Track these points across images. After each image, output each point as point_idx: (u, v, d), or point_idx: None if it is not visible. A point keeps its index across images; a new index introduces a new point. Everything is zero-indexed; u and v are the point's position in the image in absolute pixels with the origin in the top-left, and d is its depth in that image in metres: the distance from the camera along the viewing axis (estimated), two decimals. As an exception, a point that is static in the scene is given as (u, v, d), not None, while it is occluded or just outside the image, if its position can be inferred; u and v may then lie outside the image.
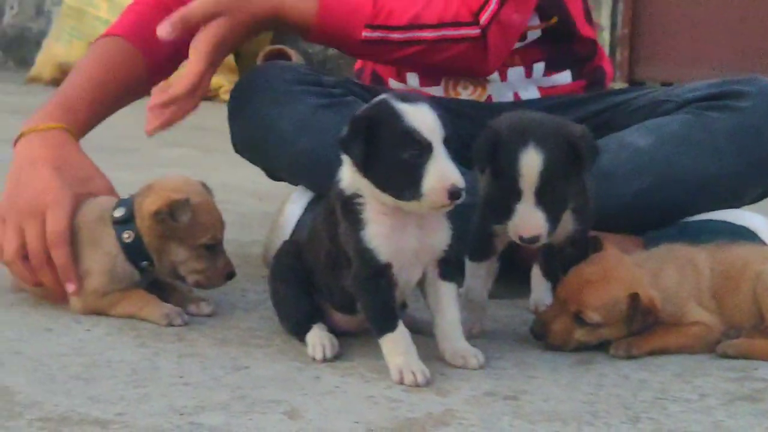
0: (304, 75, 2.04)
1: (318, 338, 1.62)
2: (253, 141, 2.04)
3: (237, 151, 2.10)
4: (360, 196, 1.53)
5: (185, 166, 3.39)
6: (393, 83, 2.21)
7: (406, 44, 1.95)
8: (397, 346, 1.53)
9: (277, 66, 2.09)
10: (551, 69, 2.18)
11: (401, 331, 1.53)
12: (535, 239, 1.59)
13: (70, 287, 1.76)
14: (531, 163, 1.56)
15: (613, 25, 4.91)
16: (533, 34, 2.15)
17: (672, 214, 1.97)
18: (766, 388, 1.54)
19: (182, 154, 3.74)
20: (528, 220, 1.58)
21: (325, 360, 1.59)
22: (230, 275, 1.81)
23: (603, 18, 4.85)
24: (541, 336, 1.68)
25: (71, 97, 1.92)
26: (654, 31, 4.91)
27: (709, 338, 1.68)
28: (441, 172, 1.46)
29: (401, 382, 1.50)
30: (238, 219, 2.62)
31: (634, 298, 1.62)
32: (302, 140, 1.97)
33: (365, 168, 1.50)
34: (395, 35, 1.94)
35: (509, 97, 2.16)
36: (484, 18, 1.95)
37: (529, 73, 2.16)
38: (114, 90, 1.96)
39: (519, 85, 2.16)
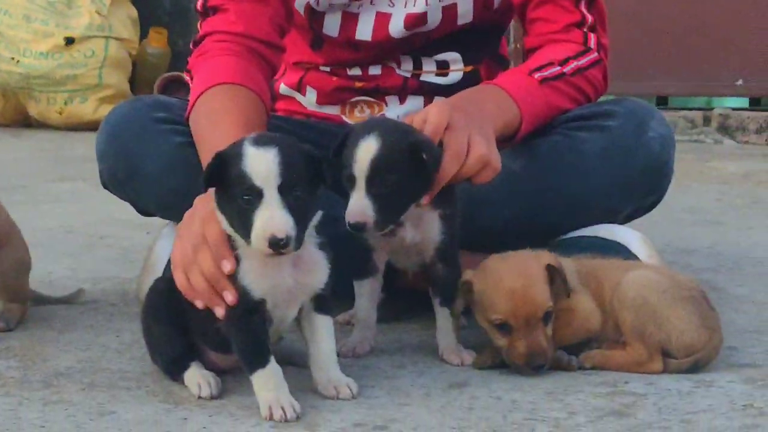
0: (177, 112, 1.98)
1: (200, 377, 1.60)
2: (120, 180, 2.00)
3: (105, 187, 2.05)
4: (235, 231, 1.54)
5: (75, 201, 3.32)
6: (300, 99, 2.21)
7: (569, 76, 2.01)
8: (267, 382, 1.51)
9: (146, 101, 2.04)
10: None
11: (272, 367, 1.52)
12: (360, 226, 1.61)
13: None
14: (365, 152, 1.62)
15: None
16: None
17: (546, 235, 1.98)
18: (634, 402, 1.56)
19: (72, 188, 3.63)
20: (355, 207, 1.61)
21: (212, 397, 1.57)
22: None
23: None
24: (541, 360, 1.66)
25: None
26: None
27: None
28: (263, 221, 1.46)
29: (270, 418, 1.49)
30: (121, 254, 2.59)
31: (550, 268, 1.68)
32: (170, 180, 1.93)
33: (219, 206, 1.52)
34: (557, 69, 2.00)
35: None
36: (592, 44, 2.06)
37: (429, 102, 2.15)
38: None
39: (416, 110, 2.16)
